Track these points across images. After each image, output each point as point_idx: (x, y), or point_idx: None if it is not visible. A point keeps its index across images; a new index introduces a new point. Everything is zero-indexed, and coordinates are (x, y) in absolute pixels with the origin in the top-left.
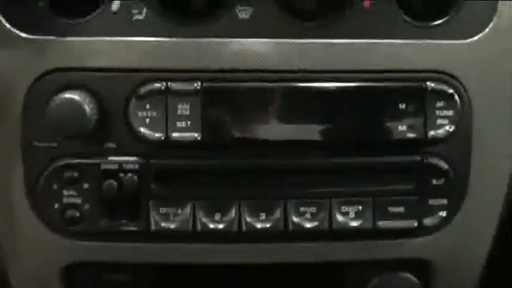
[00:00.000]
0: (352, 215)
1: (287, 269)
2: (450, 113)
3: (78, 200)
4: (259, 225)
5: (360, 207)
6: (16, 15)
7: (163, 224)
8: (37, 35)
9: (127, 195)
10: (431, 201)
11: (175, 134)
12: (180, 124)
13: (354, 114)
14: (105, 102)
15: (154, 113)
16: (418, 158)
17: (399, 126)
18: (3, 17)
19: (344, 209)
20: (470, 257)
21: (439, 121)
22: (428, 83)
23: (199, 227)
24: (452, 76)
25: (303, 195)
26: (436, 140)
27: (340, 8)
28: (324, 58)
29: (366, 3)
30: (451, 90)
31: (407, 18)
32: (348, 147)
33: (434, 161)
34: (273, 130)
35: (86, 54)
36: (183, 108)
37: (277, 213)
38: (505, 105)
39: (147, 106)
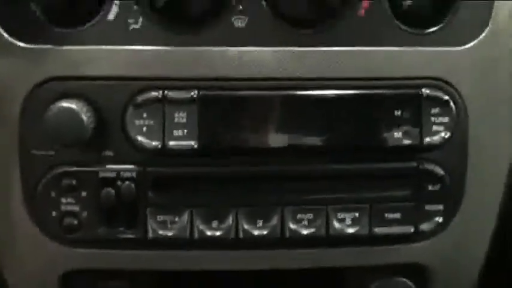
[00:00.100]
0: (348, 221)
1: (287, 272)
2: (446, 119)
3: (76, 208)
4: (256, 232)
5: (357, 214)
6: (13, 25)
7: (160, 232)
8: (34, 44)
9: (125, 203)
10: (427, 207)
11: (172, 142)
12: (177, 132)
13: (349, 122)
14: (102, 110)
15: (151, 122)
16: (414, 164)
17: (395, 133)
18: (1, 27)
19: (341, 215)
20: (467, 262)
21: (435, 128)
22: (423, 90)
23: (196, 235)
24: (447, 83)
25: (300, 202)
26: (431, 147)
27: (336, 15)
28: (320, 66)
29: (361, 11)
30: (446, 97)
31: (402, 26)
32: (344, 154)
33: (430, 167)
34: (270, 138)
35: (83, 63)
36: (180, 117)
37: (274, 220)
38: (500, 111)
39: (144, 114)
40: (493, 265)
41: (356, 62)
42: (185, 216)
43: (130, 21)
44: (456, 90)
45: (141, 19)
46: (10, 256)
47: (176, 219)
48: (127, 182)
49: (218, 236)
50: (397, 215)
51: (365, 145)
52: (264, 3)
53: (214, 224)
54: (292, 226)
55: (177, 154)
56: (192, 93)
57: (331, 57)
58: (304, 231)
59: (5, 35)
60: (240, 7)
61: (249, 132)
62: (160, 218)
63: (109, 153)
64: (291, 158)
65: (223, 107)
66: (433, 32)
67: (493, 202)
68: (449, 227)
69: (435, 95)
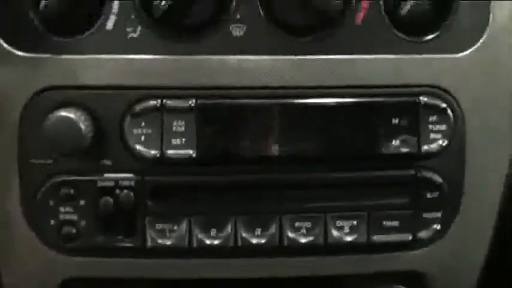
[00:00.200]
0: (346, 229)
1: (285, 280)
2: (443, 127)
3: (74, 217)
4: (254, 241)
5: (355, 222)
6: (12, 34)
7: (159, 241)
8: (33, 53)
9: (123, 212)
10: (425, 215)
11: (170, 151)
12: (175, 141)
13: (347, 130)
14: (100, 119)
15: (150, 130)
16: (412, 172)
17: (393, 141)
18: None
19: (339, 223)
20: (465, 268)
21: (433, 135)
22: (421, 98)
23: (195, 243)
24: (445, 90)
25: (298, 210)
26: (429, 154)
27: (333, 24)
28: (318, 74)
29: (358, 19)
30: (444, 105)
31: (400, 34)
32: (342, 162)
33: (428, 174)
34: (268, 146)
35: (81, 72)
36: (178, 125)
37: (273, 229)
38: (498, 118)
39: (142, 123)
40: (491, 271)
41: (354, 70)
42: (184, 225)
43: (128, 30)
44: (454, 97)
45: (139, 28)
46: (9, 264)
47: (175, 227)
48: (125, 191)
49: (217, 244)
50: (395, 223)
51: (363, 153)
52: (262, 11)
53: (213, 232)
54: (290, 234)
55: (176, 163)
56: (190, 102)
57: (329, 66)
58: (303, 240)
59: (4, 44)
60: (238, 16)
61: (247, 141)
62: (159, 226)
63: (107, 162)
64: (289, 166)
65: (222, 116)
66: (430, 39)
67: (491, 209)
68: (447, 234)
69: (433, 102)
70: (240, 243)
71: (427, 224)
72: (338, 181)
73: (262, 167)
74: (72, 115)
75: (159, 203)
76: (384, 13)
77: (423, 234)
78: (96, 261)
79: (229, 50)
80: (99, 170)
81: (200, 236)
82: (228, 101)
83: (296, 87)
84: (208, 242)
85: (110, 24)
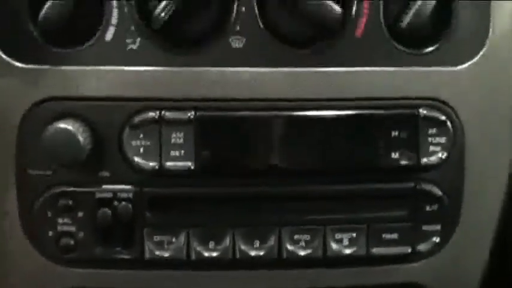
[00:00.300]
0: (346, 242)
1: None
2: (443, 139)
3: (72, 228)
4: (253, 253)
5: (354, 234)
6: (11, 45)
7: (157, 252)
8: (32, 64)
9: (121, 224)
10: (425, 227)
11: (169, 163)
12: (174, 153)
13: (347, 142)
14: (99, 131)
15: (148, 142)
16: (412, 184)
17: (392, 154)
18: None
19: (338, 236)
20: (465, 280)
21: (432, 148)
22: (420, 110)
23: (193, 255)
24: (444, 103)
25: (297, 223)
26: (429, 167)
27: (333, 36)
28: (317, 86)
29: (358, 32)
30: (443, 117)
31: (399, 46)
32: (342, 175)
33: (428, 187)
34: (267, 158)
35: (80, 83)
36: (177, 137)
37: (272, 241)
38: (497, 130)
39: (141, 135)
40: (491, 282)
41: (353, 83)
42: (182, 237)
43: (128, 41)
44: (453, 110)
45: (138, 39)
46: (6, 275)
47: (173, 239)
48: (124, 203)
49: (215, 256)
50: (395, 236)
51: (362, 165)
52: (261, 23)
53: (211, 244)
54: (289, 247)
55: (174, 175)
56: (189, 114)
57: (328, 78)
58: (302, 252)
59: (3, 55)
60: (238, 28)
61: (246, 153)
62: (157, 238)
63: (106, 173)
64: (288, 178)
65: (221, 128)
66: (430, 52)
67: (490, 220)
68: (446, 246)
69: (432, 115)
70: (238, 256)
71: (427, 236)
72: (337, 193)
73: (261, 179)
74: (70, 127)
75: (157, 215)
76: (383, 26)
77: (422, 246)
78: (94, 273)
79: (228, 62)
80: (98, 182)
81: (198, 248)
82: (227, 113)
83: (295, 100)
84: (206, 254)
85: (109, 36)
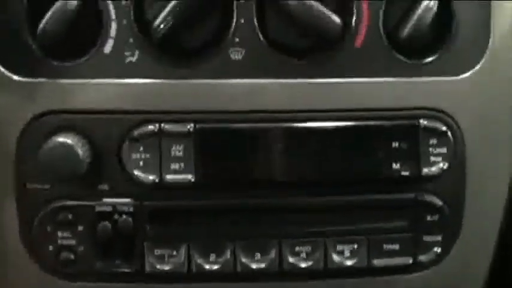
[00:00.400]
0: (347, 253)
1: None
2: (443, 150)
3: (72, 242)
4: (254, 266)
5: (355, 246)
6: (9, 59)
7: (158, 266)
8: (30, 78)
9: (122, 237)
10: (426, 238)
11: (169, 176)
12: (174, 166)
13: (347, 153)
14: (98, 144)
15: (148, 155)
16: (412, 195)
17: (393, 164)
18: None
19: (339, 247)
20: None
21: (433, 158)
22: (421, 121)
23: (194, 268)
24: (445, 113)
25: (298, 235)
26: (430, 178)
27: (333, 47)
28: (317, 97)
29: (358, 42)
30: (444, 128)
31: (399, 56)
32: (343, 186)
33: (429, 197)
34: (267, 170)
35: (79, 97)
36: (177, 150)
37: (272, 254)
38: (498, 140)
39: (141, 148)
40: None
41: (353, 93)
42: (183, 250)
43: (126, 54)
44: (454, 120)
45: (137, 52)
46: None
47: (174, 252)
48: (124, 216)
49: (216, 269)
50: (396, 246)
51: (363, 177)
52: (260, 35)
53: (212, 257)
54: (290, 259)
55: (174, 188)
56: (189, 127)
57: (328, 89)
58: (303, 264)
59: (1, 68)
60: (237, 39)
61: (246, 165)
62: (157, 251)
63: (105, 187)
64: (289, 190)
65: (221, 140)
66: (430, 62)
67: (491, 230)
68: (448, 256)
69: (433, 125)
70: (239, 268)
71: (428, 247)
72: (338, 205)
73: (261, 191)
74: (69, 140)
75: (157, 228)
76: (383, 36)
77: (424, 257)
78: (94, 287)
79: (228, 74)
80: (97, 195)
81: (199, 261)
82: (227, 125)
83: (295, 111)
84: (207, 267)
85: (107, 49)
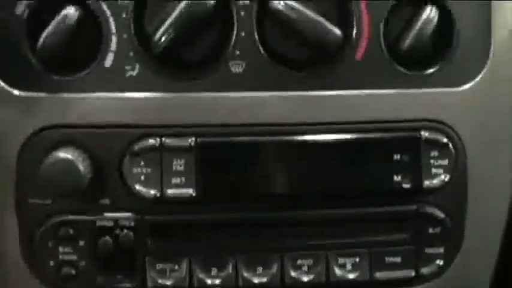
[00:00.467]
0: (349, 267)
1: None
2: (445, 162)
3: (73, 257)
4: (256, 280)
5: (357, 259)
6: (9, 73)
7: (160, 281)
8: (30, 92)
9: (123, 252)
10: (428, 250)
11: (170, 191)
12: (175, 180)
13: (348, 166)
14: (99, 159)
15: (149, 170)
16: (414, 207)
17: (394, 177)
18: None
19: (341, 260)
20: None
21: (434, 170)
22: (422, 133)
23: (196, 283)
24: (446, 125)
25: (300, 248)
26: (431, 190)
27: (334, 59)
28: (318, 110)
29: (358, 54)
30: (445, 140)
31: (400, 68)
32: (344, 199)
33: (430, 210)
34: (268, 184)
35: (79, 111)
36: (178, 164)
37: (274, 268)
38: (499, 152)
39: (142, 162)
40: None
41: (354, 106)
42: (184, 265)
43: (127, 68)
44: (455, 131)
45: (137, 66)
46: None
47: (175, 267)
48: (125, 231)
49: (218, 284)
50: (398, 259)
51: (364, 189)
52: (261, 48)
53: (214, 271)
54: (292, 273)
55: (176, 202)
56: (190, 141)
57: (329, 101)
58: (305, 278)
59: (2, 83)
60: (237, 52)
61: (247, 179)
62: (159, 266)
63: (106, 201)
64: (290, 203)
65: (222, 154)
66: (431, 73)
67: (493, 241)
68: (450, 269)
69: (434, 137)
70: (241, 283)
71: (430, 259)
72: (340, 218)
73: (263, 204)
74: (70, 156)
75: (159, 243)
76: (384, 48)
77: (426, 270)
78: None
79: (228, 87)
80: (99, 210)
81: (201, 275)
82: (228, 139)
83: (296, 124)
84: (209, 281)
85: (108, 62)
